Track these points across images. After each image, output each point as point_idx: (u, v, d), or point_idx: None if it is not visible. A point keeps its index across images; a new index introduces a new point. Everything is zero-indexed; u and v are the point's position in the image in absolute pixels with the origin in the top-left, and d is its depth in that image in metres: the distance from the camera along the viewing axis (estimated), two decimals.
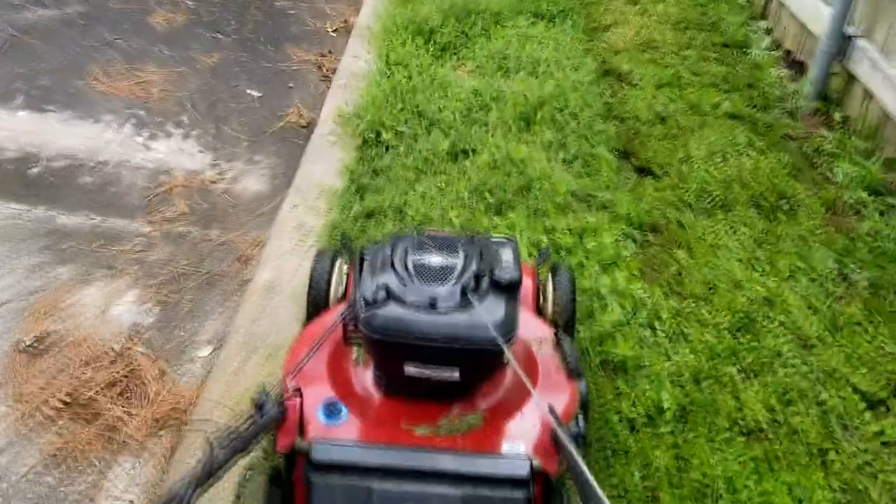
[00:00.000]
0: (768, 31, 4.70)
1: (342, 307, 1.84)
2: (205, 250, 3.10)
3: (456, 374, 1.57)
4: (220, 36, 4.83)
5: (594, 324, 2.58)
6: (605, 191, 3.25)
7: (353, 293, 1.68)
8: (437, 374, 1.57)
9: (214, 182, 3.51)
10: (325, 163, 3.44)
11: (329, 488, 1.45)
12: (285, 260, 2.88)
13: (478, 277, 1.60)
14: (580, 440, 1.46)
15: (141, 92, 4.13)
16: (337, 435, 1.56)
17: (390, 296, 1.55)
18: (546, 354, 1.81)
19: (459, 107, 3.79)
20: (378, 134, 3.59)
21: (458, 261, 1.64)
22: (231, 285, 2.92)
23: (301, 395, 1.58)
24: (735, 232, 3.07)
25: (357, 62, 4.37)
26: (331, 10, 5.38)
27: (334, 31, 5.09)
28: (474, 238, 1.76)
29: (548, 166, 3.36)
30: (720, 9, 4.96)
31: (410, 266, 1.62)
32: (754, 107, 3.95)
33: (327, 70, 4.54)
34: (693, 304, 2.70)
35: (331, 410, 1.61)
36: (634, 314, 2.65)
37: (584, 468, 1.15)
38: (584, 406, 1.74)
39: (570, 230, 3.00)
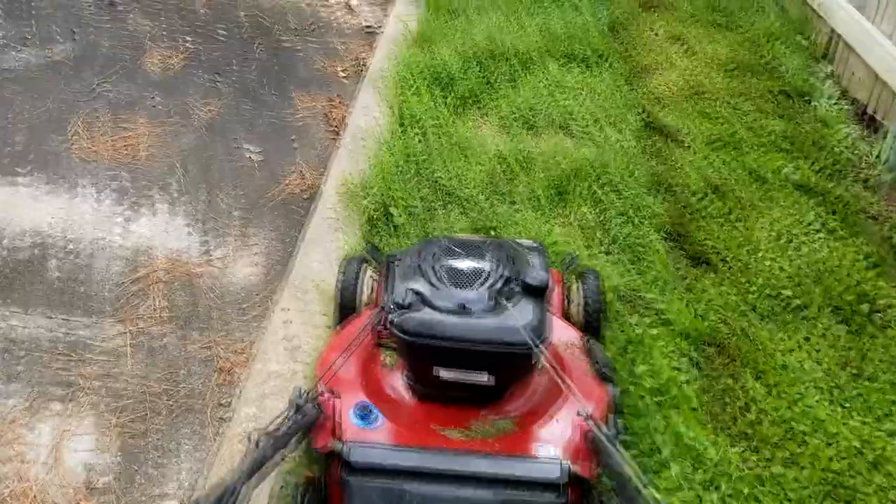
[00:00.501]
0: (834, 78, 4.15)
1: (371, 311, 1.88)
2: (181, 362, 2.64)
3: (487, 378, 1.58)
4: (219, 81, 4.37)
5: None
6: (654, 290, 2.74)
7: (383, 298, 1.76)
8: (469, 378, 1.58)
9: (200, 267, 3.05)
10: (325, 250, 2.97)
11: (365, 490, 1.47)
12: (269, 397, 2.39)
13: (507, 281, 1.62)
14: (617, 442, 1.37)
15: (126, 151, 3.68)
16: (370, 437, 1.57)
17: (422, 300, 1.57)
18: (575, 358, 1.80)
19: (481, 176, 3.30)
20: (387, 211, 3.10)
21: (487, 265, 1.66)
22: (207, 415, 2.45)
23: (336, 396, 1.56)
24: (813, 348, 2.54)
25: (367, 116, 3.89)
26: (343, 47, 4.91)
27: (345, 73, 4.61)
28: (502, 242, 1.78)
29: (586, 254, 2.86)
30: (776, 49, 4.41)
31: (441, 271, 1.64)
32: (824, 174, 3.41)
33: (335, 121, 4.07)
34: (767, 460, 2.18)
35: (364, 413, 1.61)
36: (694, 469, 2.14)
37: (628, 470, 1.13)
38: (616, 410, 1.71)
39: (612, 342, 2.49)
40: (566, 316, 2.17)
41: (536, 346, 1.51)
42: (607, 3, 5.04)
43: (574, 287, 2.25)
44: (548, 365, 1.55)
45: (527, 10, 4.77)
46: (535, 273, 1.64)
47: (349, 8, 5.47)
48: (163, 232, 3.21)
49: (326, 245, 3.00)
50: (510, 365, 1.61)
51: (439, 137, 3.55)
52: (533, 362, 1.58)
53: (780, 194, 3.27)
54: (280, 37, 4.99)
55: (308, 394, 1.45)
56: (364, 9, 5.51)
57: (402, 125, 3.66)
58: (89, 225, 3.21)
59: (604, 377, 1.76)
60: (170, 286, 2.94)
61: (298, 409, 1.41)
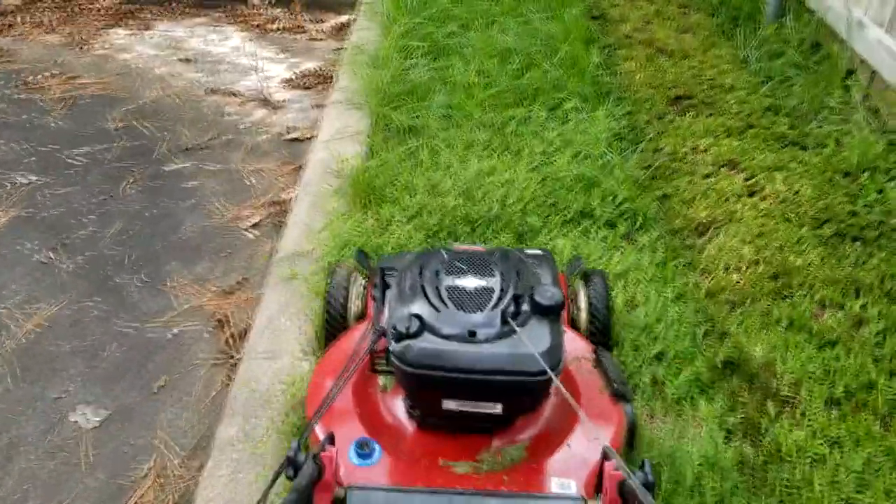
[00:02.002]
0: None
1: (362, 329, 1.79)
2: None
3: (498, 409, 1.46)
4: (57, 257, 2.88)
5: None
6: None
7: (375, 317, 1.72)
8: (478, 409, 1.47)
9: None
10: None
11: None
12: None
13: (517, 300, 1.50)
14: (651, 489, 1.16)
15: None
16: (372, 477, 1.47)
17: (424, 326, 1.43)
18: (587, 374, 1.70)
19: None
20: None
21: (494, 282, 1.54)
22: None
23: (333, 443, 1.37)
24: None
25: (276, 336, 2.42)
26: (255, 176, 3.43)
27: (254, 225, 3.14)
28: (509, 254, 1.66)
29: None
30: (878, 180, 3.02)
31: (444, 291, 1.51)
32: None
33: (231, 338, 2.60)
34: None
35: (363, 450, 1.50)
36: None
37: None
38: (632, 430, 1.60)
39: None
40: (573, 324, 2.04)
41: (552, 375, 1.37)
42: (626, 102, 3.62)
43: (580, 292, 2.11)
44: (564, 393, 1.36)
45: (516, 133, 3.32)
46: (548, 291, 1.47)
47: (266, 102, 3.97)
48: None
49: None
50: (523, 395, 1.47)
51: None
52: (548, 391, 1.49)
53: None
54: (165, 160, 3.49)
55: (302, 440, 1.26)
56: (286, 97, 4.02)
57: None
58: None
59: (618, 395, 1.63)
60: None
61: (294, 465, 1.23)
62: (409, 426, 1.62)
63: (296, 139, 3.74)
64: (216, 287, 2.80)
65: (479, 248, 1.79)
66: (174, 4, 4.91)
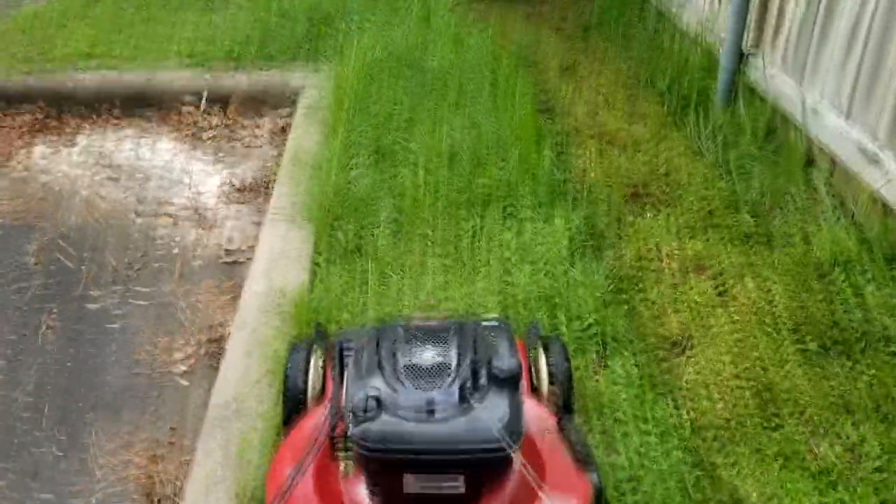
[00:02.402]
0: None
1: (321, 411, 1.76)
2: None
3: (461, 487, 1.46)
4: None
5: None
6: None
7: (335, 394, 1.69)
8: (441, 487, 1.46)
9: None
10: None
11: None
12: None
13: (475, 372, 1.52)
14: None
15: None
16: None
17: (381, 406, 1.44)
18: (551, 445, 1.68)
19: None
20: None
21: (451, 356, 1.55)
22: None
23: None
24: None
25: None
26: (189, 310, 3.13)
27: (186, 372, 2.83)
28: (465, 326, 1.67)
29: None
30: (854, 280, 2.86)
31: (401, 370, 1.52)
32: None
33: None
34: None
35: None
36: None
37: None
38: (599, 497, 1.59)
39: None
40: (533, 390, 1.98)
41: (512, 448, 1.40)
42: (581, 203, 3.44)
43: (540, 359, 2.06)
44: (523, 468, 1.43)
45: (471, 247, 3.10)
46: (504, 362, 1.50)
47: (201, 220, 3.70)
48: None
49: None
50: (485, 468, 1.47)
51: None
52: (510, 463, 1.46)
53: None
54: (88, 291, 3.18)
55: None
56: (223, 213, 3.76)
57: None
58: None
59: (583, 463, 1.62)
60: None
61: None
62: None
63: (234, 262, 3.46)
64: (143, 450, 2.47)
65: (435, 321, 1.79)
66: (101, 114, 4.64)
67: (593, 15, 5.73)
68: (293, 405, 2.00)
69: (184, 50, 4.99)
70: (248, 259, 3.43)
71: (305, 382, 2.02)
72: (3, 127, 4.49)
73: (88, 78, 4.70)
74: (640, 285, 2.98)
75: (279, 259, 3.17)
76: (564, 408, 1.98)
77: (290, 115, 4.66)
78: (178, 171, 4.17)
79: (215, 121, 4.64)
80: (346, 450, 1.63)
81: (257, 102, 4.76)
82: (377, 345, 1.61)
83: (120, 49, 5.03)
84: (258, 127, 4.67)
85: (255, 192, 3.98)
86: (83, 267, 3.38)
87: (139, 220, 3.73)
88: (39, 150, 4.36)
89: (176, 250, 3.52)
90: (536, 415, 1.77)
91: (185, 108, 4.73)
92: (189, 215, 3.76)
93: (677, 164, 3.81)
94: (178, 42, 5.14)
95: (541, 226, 3.23)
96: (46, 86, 4.65)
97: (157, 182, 4.06)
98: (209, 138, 4.51)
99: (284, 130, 4.59)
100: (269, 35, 5.12)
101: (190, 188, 3.98)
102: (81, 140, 4.47)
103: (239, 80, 4.75)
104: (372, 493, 1.60)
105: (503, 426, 1.42)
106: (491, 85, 4.39)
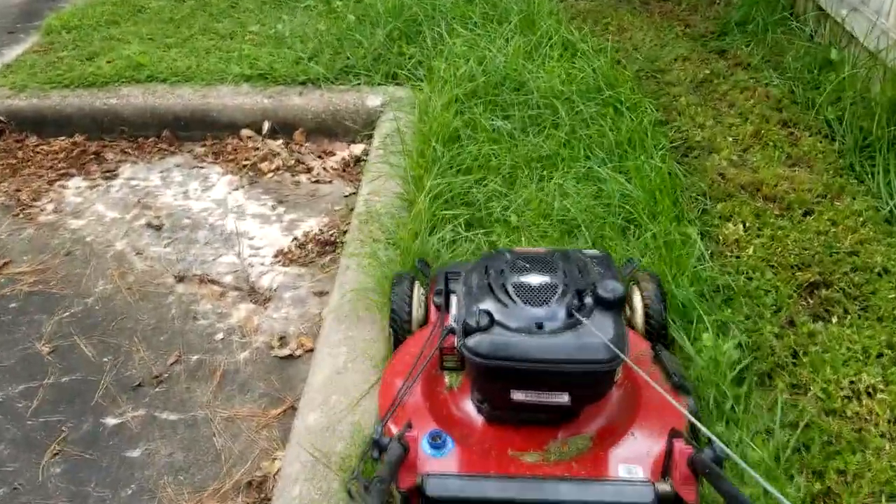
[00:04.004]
0: None
1: (428, 332, 1.87)
2: None
3: (565, 399, 1.52)
4: None
5: None
6: None
7: (439, 318, 1.88)
8: (547, 400, 1.52)
9: None
10: None
11: None
12: None
13: (580, 294, 1.57)
14: (721, 463, 1.29)
15: None
16: (445, 466, 1.52)
17: (493, 321, 1.50)
18: (648, 371, 1.73)
19: None
20: None
21: (557, 279, 1.60)
22: None
23: (412, 429, 1.50)
24: None
25: None
26: (227, 433, 2.47)
27: None
28: (569, 253, 1.71)
29: None
30: None
31: (510, 288, 1.58)
32: None
33: None
34: None
35: (436, 442, 1.55)
36: None
37: (742, 496, 1.07)
38: (696, 419, 1.56)
39: None
40: (629, 325, 2.07)
41: (623, 356, 1.45)
42: (739, 300, 2.57)
43: (635, 294, 2.12)
44: (640, 373, 1.45)
45: None
46: (609, 284, 1.54)
47: (252, 292, 3.03)
48: None
49: None
50: (590, 383, 1.52)
51: None
52: (613, 378, 1.51)
53: None
54: (105, 408, 2.56)
55: (383, 428, 1.40)
56: (278, 281, 3.10)
57: None
58: None
59: (679, 388, 1.70)
60: None
61: (381, 447, 1.37)
62: (477, 421, 1.65)
63: (288, 356, 2.76)
64: None
65: (540, 249, 1.87)
66: (149, 139, 3.99)
67: (731, 11, 4.71)
68: (399, 331, 2.11)
69: (244, 64, 4.26)
70: (308, 351, 2.74)
71: (409, 310, 2.11)
72: (37, 156, 3.88)
73: (135, 96, 4.04)
74: (832, 450, 2.11)
75: (343, 370, 2.44)
76: (659, 338, 2.06)
77: (366, 141, 3.91)
78: (231, 217, 3.48)
79: (277, 149, 3.92)
80: (455, 364, 1.71)
81: (327, 127, 4.01)
82: (486, 268, 1.64)
83: (170, 62, 4.35)
84: (329, 155, 3.94)
85: (320, 250, 3.27)
86: (106, 359, 2.75)
87: (179, 289, 3.07)
88: (74, 184, 3.75)
89: (218, 337, 2.85)
90: (633, 342, 1.77)
91: (244, 132, 4.03)
92: (238, 285, 3.08)
93: (865, 237, 2.89)
94: (239, 53, 4.42)
95: (690, 339, 2.38)
96: (87, 105, 4.02)
97: (205, 235, 3.39)
98: (271, 171, 3.80)
99: (358, 162, 3.85)
100: (343, 44, 4.34)
101: (240, 245, 3.29)
102: (124, 172, 3.84)
103: (307, 101, 4.01)
104: (479, 403, 1.65)
105: (609, 341, 1.44)
106: (613, 114, 3.51)
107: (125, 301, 3.01)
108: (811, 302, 2.66)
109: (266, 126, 3.97)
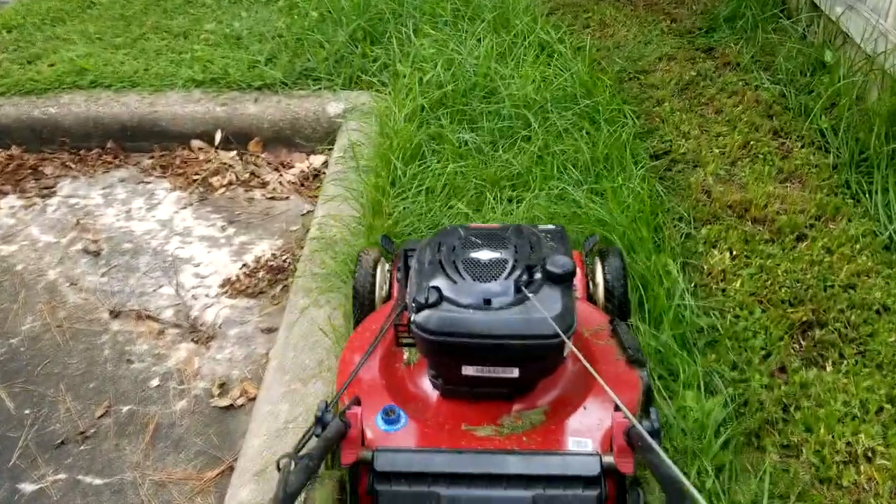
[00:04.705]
0: None
1: (388, 309, 1.91)
2: None
3: (515, 373, 1.53)
4: None
5: None
6: None
7: (399, 294, 1.93)
8: (496, 374, 1.53)
9: None
10: None
11: (396, 497, 1.42)
12: None
13: (530, 270, 1.57)
14: (658, 435, 1.30)
15: None
16: (397, 441, 1.54)
17: (442, 297, 1.51)
18: (603, 343, 1.77)
19: None
20: None
21: (508, 254, 1.61)
22: None
23: (359, 404, 1.51)
24: None
25: None
26: (156, 499, 2.20)
27: None
28: (522, 228, 1.73)
29: None
30: None
31: (460, 264, 1.59)
32: None
33: None
34: None
35: (389, 416, 1.57)
36: None
37: (674, 468, 1.06)
38: (648, 394, 1.66)
39: None
40: (590, 299, 2.11)
41: (565, 337, 1.44)
42: (725, 344, 2.33)
43: (597, 268, 2.15)
44: (577, 353, 1.42)
45: None
46: (558, 259, 1.54)
47: (193, 329, 2.77)
48: None
49: None
50: (539, 358, 1.52)
51: None
52: (562, 353, 1.50)
53: None
54: (23, 472, 2.32)
55: (330, 406, 1.39)
56: (223, 315, 2.81)
57: None
58: None
59: (634, 361, 1.69)
60: None
61: (323, 423, 1.36)
62: (432, 396, 1.67)
63: (229, 406, 2.51)
64: None
65: (494, 225, 1.88)
66: (92, 151, 3.70)
67: (719, 5, 4.42)
68: (362, 308, 2.11)
69: (196, 67, 3.95)
70: (251, 399, 2.49)
71: (373, 286, 2.13)
72: None
73: (77, 104, 3.74)
74: None
75: (288, 422, 2.20)
76: (619, 314, 2.05)
77: (327, 151, 3.63)
78: (176, 241, 3.21)
79: (230, 162, 3.64)
80: (410, 339, 1.68)
81: (285, 137, 3.73)
82: (438, 245, 1.66)
83: (117, 65, 4.03)
84: (287, 168, 3.66)
85: (272, 274, 3.00)
86: (27, 412, 2.48)
87: (114, 326, 2.81)
88: (7, 203, 3.46)
89: (154, 382, 2.59)
90: (590, 316, 1.84)
91: (194, 143, 3.73)
92: (178, 321, 2.81)
93: (863, 267, 2.64)
94: (191, 55, 4.10)
95: (671, 394, 2.14)
96: (25, 115, 3.71)
97: (148, 258, 3.12)
98: (222, 187, 3.52)
99: (318, 175, 3.57)
100: (303, 44, 4.04)
101: (177, 279, 3.01)
102: (63, 188, 3.55)
103: (263, 108, 3.72)
104: (434, 379, 1.66)
105: (556, 316, 1.45)
106: (590, 126, 3.24)
107: (54, 341, 2.74)
108: (804, 344, 2.42)
109: (219, 136, 3.68)
